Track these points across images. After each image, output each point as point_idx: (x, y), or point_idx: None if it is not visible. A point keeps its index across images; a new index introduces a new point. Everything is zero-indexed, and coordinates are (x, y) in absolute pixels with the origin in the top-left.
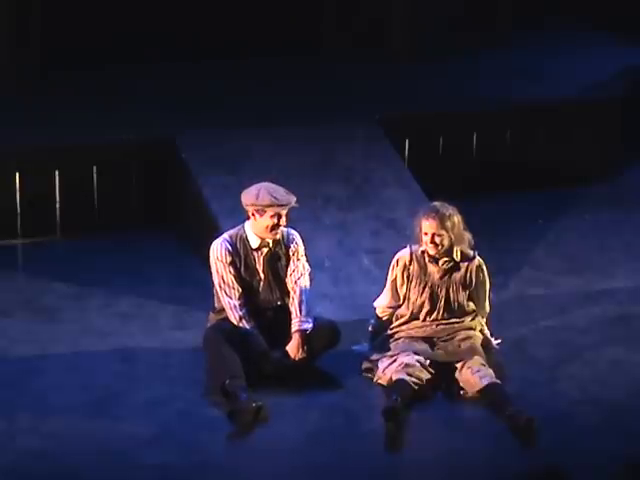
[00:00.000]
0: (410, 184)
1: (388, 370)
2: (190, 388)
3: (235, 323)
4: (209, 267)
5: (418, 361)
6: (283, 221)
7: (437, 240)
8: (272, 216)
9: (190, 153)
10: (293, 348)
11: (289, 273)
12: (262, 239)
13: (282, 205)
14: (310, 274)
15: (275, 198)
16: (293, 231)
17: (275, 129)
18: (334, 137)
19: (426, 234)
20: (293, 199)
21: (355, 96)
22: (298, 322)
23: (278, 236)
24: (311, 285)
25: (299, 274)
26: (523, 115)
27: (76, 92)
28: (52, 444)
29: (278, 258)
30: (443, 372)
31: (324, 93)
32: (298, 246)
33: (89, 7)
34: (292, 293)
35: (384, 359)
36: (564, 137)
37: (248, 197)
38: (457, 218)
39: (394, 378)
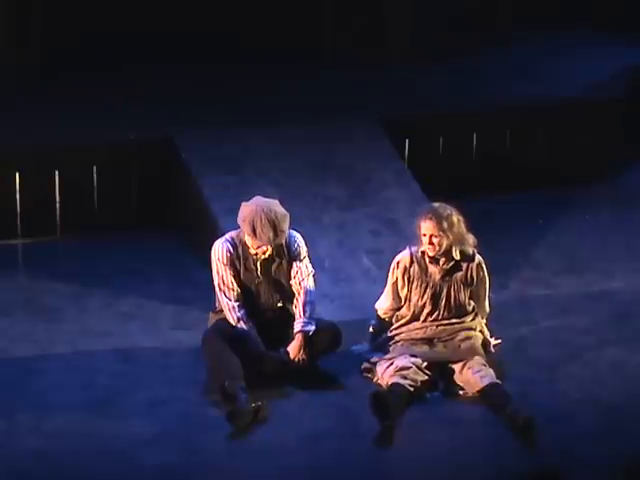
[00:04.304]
0: (410, 184)
1: (385, 374)
2: (190, 388)
3: (233, 324)
4: (210, 267)
5: (414, 363)
6: (268, 250)
7: (435, 241)
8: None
9: (190, 153)
10: (294, 349)
11: (293, 275)
12: None
13: (262, 245)
14: (314, 276)
15: (259, 238)
16: (295, 233)
17: (275, 129)
18: (334, 137)
19: (424, 235)
20: (278, 238)
21: (355, 96)
22: (301, 323)
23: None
24: (315, 287)
25: (303, 276)
26: (523, 115)
27: (76, 92)
28: (52, 444)
29: (279, 261)
30: (442, 372)
31: (324, 93)
32: (300, 248)
33: (89, 7)
34: (297, 295)
35: (382, 362)
36: (564, 137)
37: (241, 218)
38: (456, 219)
39: (389, 382)
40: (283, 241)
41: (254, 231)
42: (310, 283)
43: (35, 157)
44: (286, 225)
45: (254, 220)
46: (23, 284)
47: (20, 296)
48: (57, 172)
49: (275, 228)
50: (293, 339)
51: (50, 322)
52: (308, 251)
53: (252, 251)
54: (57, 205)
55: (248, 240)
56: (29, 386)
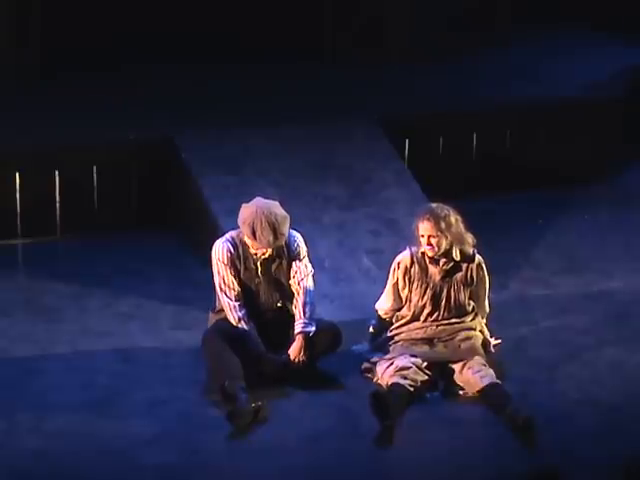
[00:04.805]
0: (410, 184)
1: (385, 374)
2: (190, 388)
3: (234, 324)
4: (211, 267)
5: (414, 363)
6: (268, 251)
7: (433, 242)
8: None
9: (190, 153)
10: (295, 350)
11: (292, 274)
12: None
13: (262, 247)
14: (313, 275)
15: (258, 241)
16: (295, 233)
17: (275, 129)
18: (334, 137)
19: (422, 236)
20: (278, 241)
21: (355, 96)
22: (301, 324)
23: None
24: (314, 286)
25: (303, 275)
26: (523, 115)
27: (76, 92)
28: (52, 444)
29: (279, 261)
30: (442, 372)
31: (324, 93)
32: (300, 248)
33: (89, 7)
34: (296, 294)
35: (382, 362)
36: (564, 137)
37: (241, 220)
38: (454, 218)
39: (389, 382)
40: (283, 242)
41: (254, 234)
42: (309, 283)
43: (35, 157)
44: (286, 228)
45: (254, 223)
46: (23, 284)
47: (20, 296)
48: (57, 172)
49: (275, 231)
50: (294, 340)
51: (50, 322)
52: (308, 251)
53: (252, 251)
54: (57, 205)
55: (248, 241)
56: (29, 386)
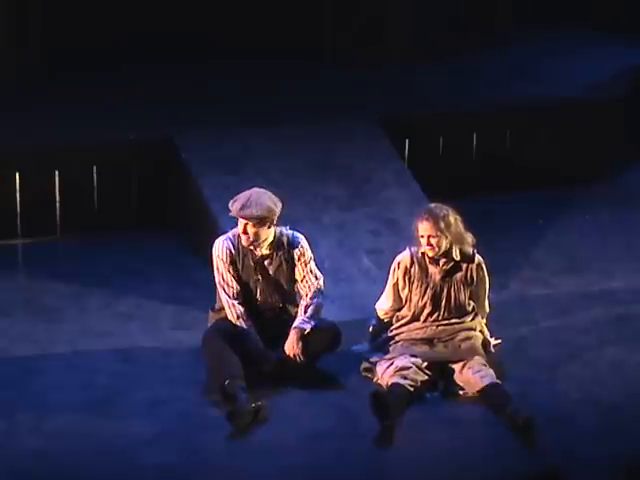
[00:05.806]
0: (410, 184)
1: (385, 374)
2: (190, 388)
3: (233, 321)
4: (211, 265)
5: (414, 363)
6: (252, 231)
7: (433, 242)
8: (241, 224)
9: (190, 153)
10: (289, 345)
11: (299, 278)
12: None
13: (243, 217)
14: (323, 282)
15: (239, 209)
16: (299, 234)
17: (275, 129)
18: (334, 137)
19: (422, 236)
20: (260, 212)
21: (355, 96)
22: (298, 321)
23: (263, 248)
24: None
25: (312, 281)
26: (523, 115)
27: (76, 92)
28: (52, 444)
29: (279, 262)
30: (442, 372)
31: (324, 93)
32: (304, 250)
33: (89, 7)
34: (304, 296)
35: (382, 362)
36: (564, 137)
37: (231, 200)
38: (453, 218)
39: (389, 382)
40: (253, 216)
41: (238, 207)
42: (321, 294)
43: (35, 157)
44: (262, 209)
45: (244, 199)
46: (23, 284)
47: (20, 296)
48: (57, 172)
49: (250, 203)
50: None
51: (50, 322)
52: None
53: (244, 242)
54: (57, 205)
55: (238, 228)
56: (29, 386)
